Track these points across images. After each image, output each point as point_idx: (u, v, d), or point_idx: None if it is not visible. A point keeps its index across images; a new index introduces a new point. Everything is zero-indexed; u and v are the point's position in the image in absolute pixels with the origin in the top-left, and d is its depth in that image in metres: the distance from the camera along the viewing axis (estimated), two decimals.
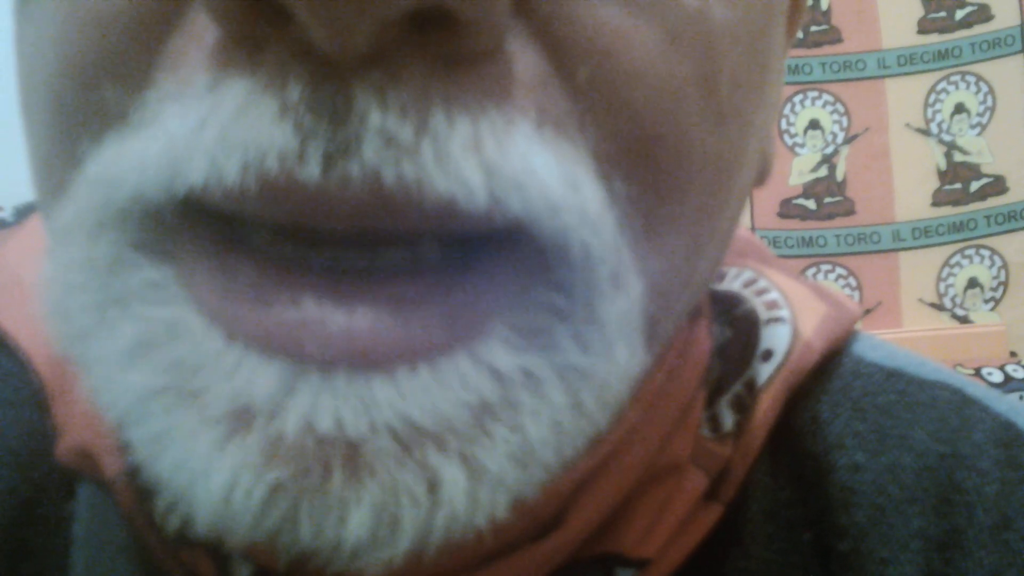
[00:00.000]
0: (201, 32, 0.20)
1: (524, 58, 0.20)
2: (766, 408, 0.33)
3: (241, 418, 0.20)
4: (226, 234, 0.20)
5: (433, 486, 0.20)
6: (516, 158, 0.19)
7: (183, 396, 0.20)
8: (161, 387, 0.20)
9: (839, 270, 1.57)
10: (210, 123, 0.19)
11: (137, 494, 0.30)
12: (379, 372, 0.19)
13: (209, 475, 0.20)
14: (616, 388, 0.22)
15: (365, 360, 0.19)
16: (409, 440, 0.20)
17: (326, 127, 0.18)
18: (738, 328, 0.35)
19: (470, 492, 0.20)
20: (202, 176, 0.19)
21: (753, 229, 1.57)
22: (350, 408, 0.19)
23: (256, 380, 0.19)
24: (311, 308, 0.19)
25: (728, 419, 0.33)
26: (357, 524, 0.20)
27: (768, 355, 0.34)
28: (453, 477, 0.20)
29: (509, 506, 0.21)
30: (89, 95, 0.21)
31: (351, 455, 0.19)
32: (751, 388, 0.33)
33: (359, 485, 0.20)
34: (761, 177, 0.31)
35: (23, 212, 0.38)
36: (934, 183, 1.56)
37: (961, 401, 0.35)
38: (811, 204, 1.57)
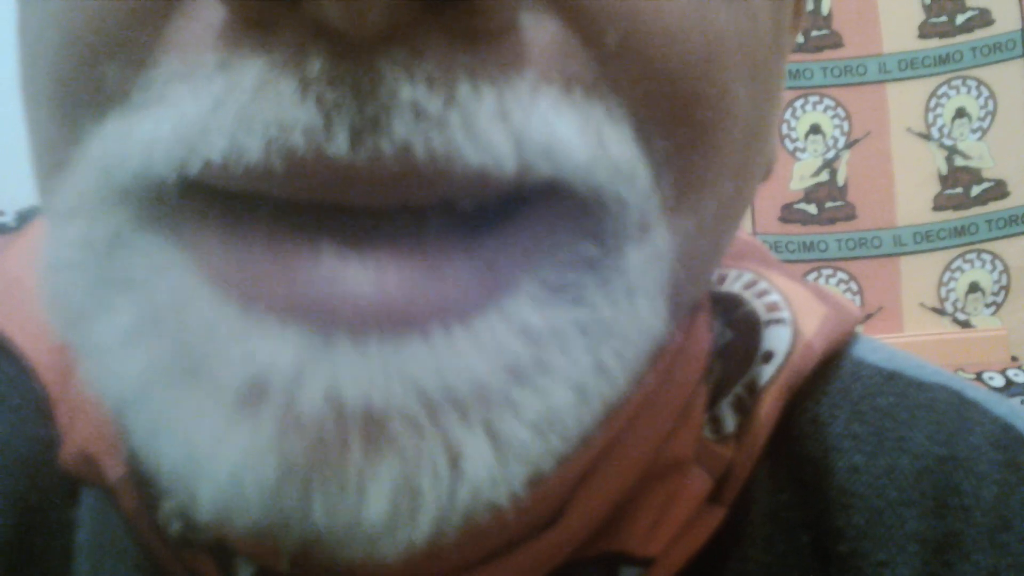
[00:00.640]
0: (207, 13, 0.20)
1: (544, 28, 0.20)
2: (767, 410, 0.33)
3: (255, 392, 0.19)
4: (235, 209, 0.20)
5: (455, 458, 0.19)
6: (543, 124, 0.19)
7: (190, 373, 0.19)
8: (165, 365, 0.20)
9: (840, 274, 1.57)
10: (228, 102, 0.18)
11: (140, 498, 0.30)
12: (414, 334, 0.19)
13: (216, 457, 0.19)
14: (638, 348, 0.22)
15: (398, 321, 0.19)
16: (435, 409, 0.19)
17: (351, 101, 0.18)
18: (739, 330, 0.35)
19: (491, 465, 0.20)
20: (220, 154, 0.18)
21: (754, 234, 1.57)
22: (382, 376, 0.19)
23: (274, 350, 0.19)
24: (336, 267, 0.19)
25: (730, 421, 0.33)
26: (376, 500, 0.19)
27: (769, 357, 0.34)
28: (476, 449, 0.19)
29: (527, 482, 0.21)
30: (91, 73, 0.21)
31: (370, 427, 0.19)
32: (752, 390, 0.33)
33: (379, 458, 0.19)
34: (766, 172, 0.31)
35: (25, 216, 0.38)
36: (935, 187, 1.56)
37: (960, 403, 0.35)
38: (812, 209, 1.57)
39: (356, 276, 0.19)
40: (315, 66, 0.18)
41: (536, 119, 0.19)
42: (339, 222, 0.19)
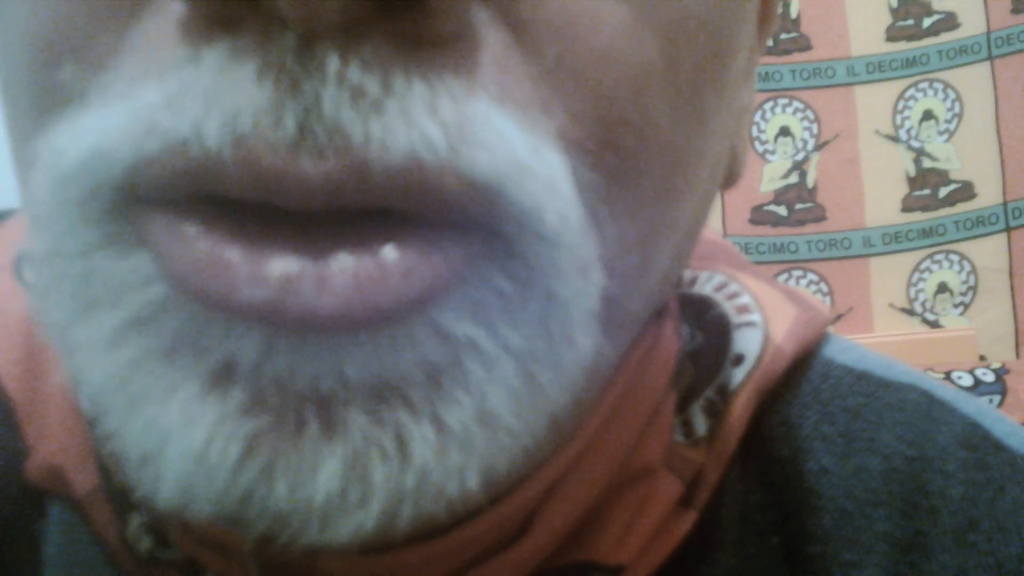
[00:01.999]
0: (168, 17, 0.20)
1: (490, 41, 0.20)
2: (738, 413, 0.33)
3: (222, 375, 0.20)
4: (193, 215, 0.20)
5: (401, 441, 0.20)
6: (478, 118, 0.19)
7: (161, 361, 0.20)
8: (142, 357, 0.20)
9: (810, 276, 1.58)
10: (188, 89, 0.19)
11: (109, 512, 0.30)
12: (349, 332, 0.20)
13: (186, 430, 0.20)
14: (574, 368, 0.22)
15: (335, 326, 0.19)
16: (378, 397, 0.20)
17: (298, 92, 0.18)
18: (709, 333, 0.35)
19: (437, 450, 0.20)
20: (180, 136, 0.19)
21: (725, 235, 1.58)
22: (324, 367, 0.20)
23: (235, 346, 0.20)
24: (285, 271, 0.19)
25: (701, 424, 0.33)
26: (327, 477, 0.20)
27: (739, 359, 0.34)
28: (420, 433, 0.20)
29: (480, 476, 0.21)
30: (54, 74, 0.21)
31: (324, 410, 0.20)
32: (723, 393, 0.33)
33: (331, 437, 0.20)
34: (731, 178, 0.31)
35: None
36: (903, 189, 1.57)
37: (929, 403, 0.35)
38: (782, 210, 1.58)
39: (302, 279, 0.19)
40: (272, 54, 0.18)
41: (469, 114, 0.19)
42: (290, 226, 0.20)
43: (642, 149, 0.22)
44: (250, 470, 0.20)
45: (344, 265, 0.19)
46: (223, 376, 0.20)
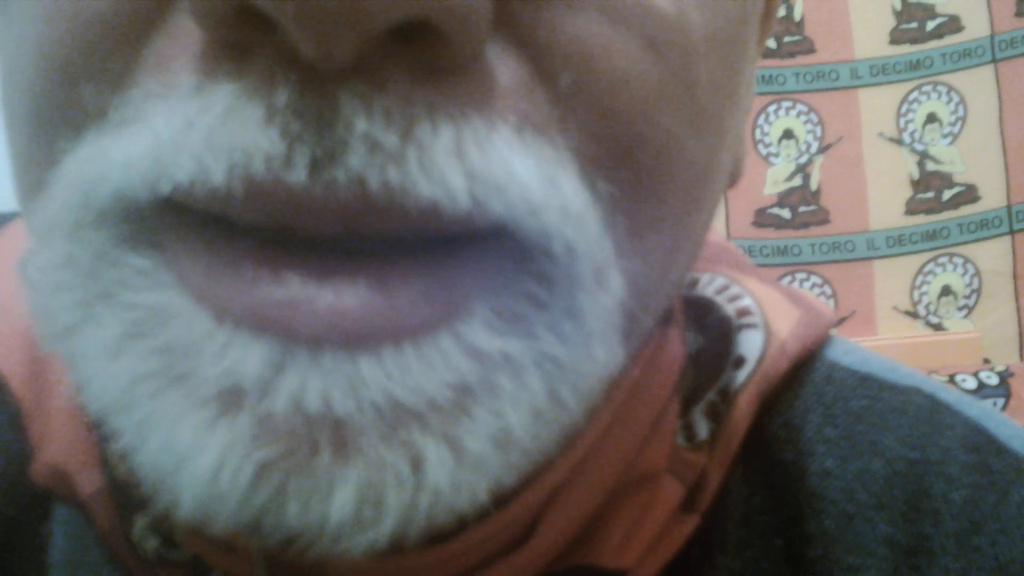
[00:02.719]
0: (185, 36, 0.20)
1: (505, 65, 0.20)
2: (740, 415, 0.33)
3: (230, 398, 0.20)
4: (211, 227, 0.20)
5: (417, 465, 0.20)
6: (497, 162, 0.19)
7: (172, 379, 0.20)
8: (149, 372, 0.20)
9: (814, 278, 1.58)
10: (197, 124, 0.19)
11: (114, 513, 0.30)
12: (365, 351, 0.20)
13: (197, 455, 0.20)
14: (592, 381, 0.23)
15: (352, 338, 0.19)
16: (394, 419, 0.20)
17: (312, 132, 0.18)
18: (711, 335, 0.35)
19: (453, 472, 0.20)
20: (188, 176, 0.19)
21: (728, 238, 1.58)
22: (337, 387, 0.19)
23: (245, 359, 0.20)
24: (296, 286, 0.19)
25: (703, 427, 0.33)
26: (342, 502, 0.20)
27: (741, 362, 0.34)
28: (437, 456, 0.20)
29: (489, 492, 0.22)
30: (68, 93, 0.21)
31: (338, 433, 0.20)
32: (725, 396, 0.33)
33: (345, 462, 0.20)
34: (732, 180, 0.31)
35: None
36: (907, 192, 1.57)
37: (932, 406, 0.35)
38: (786, 213, 1.58)
39: (316, 294, 0.19)
40: (282, 96, 0.18)
41: (491, 156, 0.19)
42: (305, 243, 0.20)
43: (662, 165, 0.23)
44: (262, 495, 0.20)
45: (361, 282, 0.19)
46: (234, 396, 0.20)
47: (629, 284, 0.23)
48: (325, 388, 0.19)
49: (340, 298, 0.19)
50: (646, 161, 0.22)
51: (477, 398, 0.20)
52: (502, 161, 0.19)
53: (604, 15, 0.21)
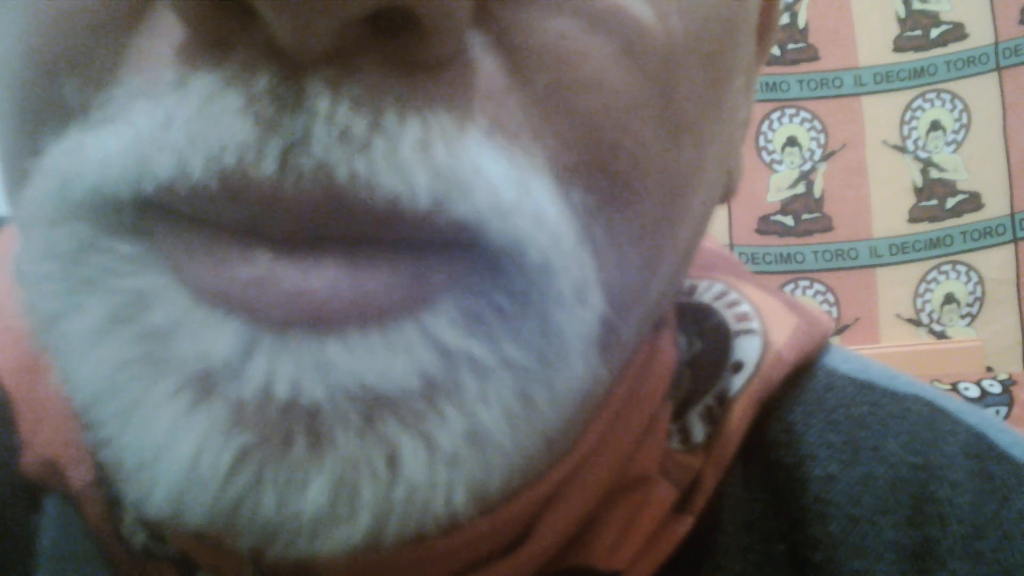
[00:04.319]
0: (167, 31, 0.20)
1: (483, 66, 0.20)
2: (737, 419, 0.33)
3: (205, 383, 0.19)
4: (190, 220, 0.20)
5: (392, 459, 0.20)
6: (465, 162, 0.19)
7: (151, 364, 0.20)
8: (131, 358, 0.20)
9: (817, 286, 1.58)
10: (176, 117, 0.19)
11: (104, 506, 0.30)
12: (332, 333, 0.19)
13: (175, 443, 0.20)
14: (570, 390, 0.22)
15: (317, 320, 0.19)
16: (367, 409, 0.20)
17: (286, 118, 0.18)
18: (708, 340, 0.35)
19: (427, 467, 0.20)
20: (169, 173, 0.19)
21: (731, 246, 1.58)
22: (306, 371, 0.19)
23: (216, 340, 0.19)
24: (264, 264, 0.19)
25: (698, 431, 0.33)
26: (316, 494, 0.20)
27: (739, 367, 0.34)
28: (411, 451, 0.20)
29: (469, 493, 0.21)
30: (51, 88, 0.21)
31: (313, 424, 0.19)
32: (722, 400, 0.33)
33: (320, 452, 0.20)
34: (726, 194, 0.31)
35: None
36: (910, 199, 1.57)
37: (932, 413, 0.35)
38: (789, 221, 1.58)
39: (283, 274, 0.19)
40: (260, 83, 0.18)
41: (459, 156, 0.19)
42: (278, 232, 0.20)
43: (638, 174, 0.22)
44: (239, 483, 0.20)
45: (329, 264, 0.19)
46: (208, 381, 0.20)
47: (607, 295, 0.22)
48: (294, 373, 0.19)
49: (306, 278, 0.19)
50: (621, 169, 0.22)
51: (446, 394, 0.20)
52: (470, 161, 0.19)
53: (582, 19, 0.21)
